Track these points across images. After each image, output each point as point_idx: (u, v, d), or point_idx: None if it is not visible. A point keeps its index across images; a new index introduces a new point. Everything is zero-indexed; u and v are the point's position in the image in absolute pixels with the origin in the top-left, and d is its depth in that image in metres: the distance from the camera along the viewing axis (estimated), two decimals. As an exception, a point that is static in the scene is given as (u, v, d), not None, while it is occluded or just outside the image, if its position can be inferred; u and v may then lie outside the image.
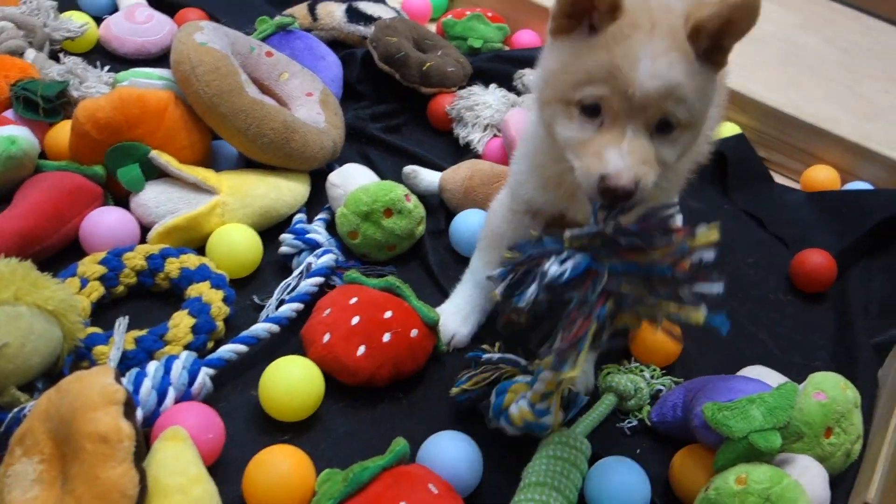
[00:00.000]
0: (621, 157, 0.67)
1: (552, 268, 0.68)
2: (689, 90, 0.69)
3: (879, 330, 1.14)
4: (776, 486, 0.75)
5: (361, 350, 0.87)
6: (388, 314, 0.90)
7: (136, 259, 0.92)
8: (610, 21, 0.69)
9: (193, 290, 0.91)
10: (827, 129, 1.49)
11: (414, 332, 0.90)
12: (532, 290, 0.69)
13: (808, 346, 1.12)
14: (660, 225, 0.68)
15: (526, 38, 1.65)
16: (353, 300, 0.90)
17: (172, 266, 0.92)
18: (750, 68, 1.62)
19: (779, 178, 1.48)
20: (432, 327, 0.92)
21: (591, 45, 0.70)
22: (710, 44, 0.71)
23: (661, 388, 0.97)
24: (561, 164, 0.77)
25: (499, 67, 1.49)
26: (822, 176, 1.47)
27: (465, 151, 1.30)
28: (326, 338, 0.87)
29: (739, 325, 1.13)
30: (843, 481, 0.88)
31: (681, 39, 0.69)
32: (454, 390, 0.86)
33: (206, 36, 1.05)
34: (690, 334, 1.03)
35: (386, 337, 0.88)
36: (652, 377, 0.98)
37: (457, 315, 0.98)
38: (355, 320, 0.88)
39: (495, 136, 1.32)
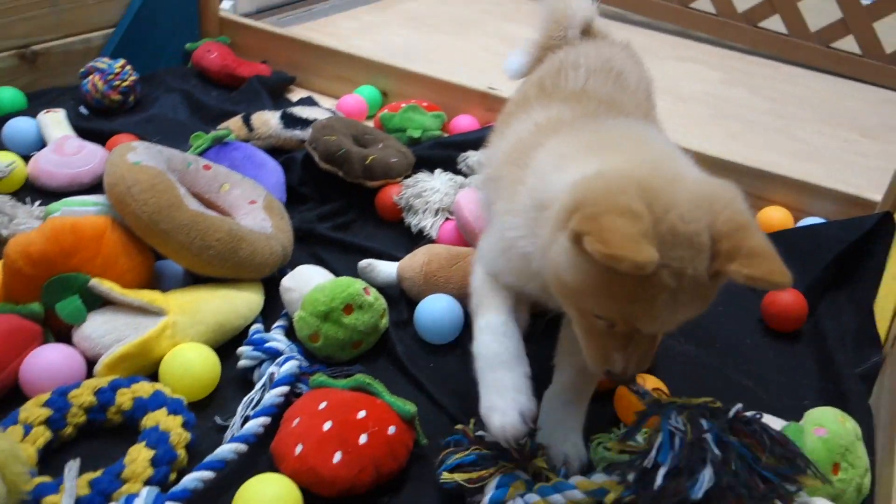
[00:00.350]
0: (625, 359, 0.71)
1: (712, 446, 0.71)
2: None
3: (861, 360, 1.12)
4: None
5: (338, 457, 0.81)
6: (361, 414, 0.85)
7: (83, 396, 0.86)
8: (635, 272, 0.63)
9: (149, 420, 0.85)
10: (772, 171, 1.51)
11: (392, 429, 0.85)
12: (708, 475, 0.69)
13: (794, 386, 1.10)
14: (795, 453, 0.73)
15: (464, 122, 1.66)
16: (323, 405, 0.85)
17: (124, 397, 0.86)
18: (685, 126, 1.65)
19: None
20: (409, 421, 0.87)
21: (614, 285, 0.66)
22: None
23: (655, 452, 0.92)
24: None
25: (441, 153, 1.49)
26: (776, 217, 1.48)
27: (418, 239, 1.28)
28: (298, 449, 0.82)
29: (723, 375, 1.10)
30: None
31: (703, 285, 0.67)
32: (446, 475, 0.81)
33: (139, 155, 1.02)
34: (675, 389, 0.99)
35: (362, 438, 0.83)
36: (643, 440, 0.93)
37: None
38: (327, 426, 0.83)
39: (448, 219, 1.30)
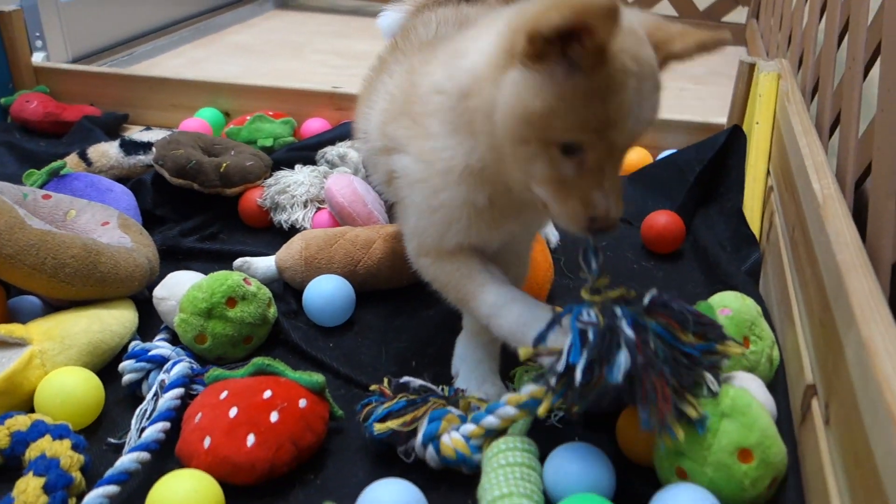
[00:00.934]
0: (605, 198, 0.67)
1: (626, 329, 0.69)
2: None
3: (743, 259, 1.16)
4: (725, 398, 0.70)
5: (251, 440, 0.75)
6: (267, 394, 0.79)
7: (-51, 444, 0.76)
8: (596, 63, 0.62)
9: (33, 451, 0.75)
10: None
11: (303, 402, 0.79)
12: (623, 358, 0.67)
13: (687, 295, 1.12)
14: (712, 323, 0.73)
15: (314, 125, 1.63)
16: (224, 394, 0.79)
17: (-1, 435, 0.77)
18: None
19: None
20: (320, 392, 0.82)
21: (580, 90, 0.63)
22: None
23: (576, 372, 0.91)
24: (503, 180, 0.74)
25: (297, 155, 1.44)
26: (635, 156, 1.53)
27: (292, 235, 1.23)
28: (207, 442, 0.75)
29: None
30: (777, 386, 0.85)
31: (657, 73, 0.67)
32: (378, 426, 0.77)
33: (-35, 185, 0.92)
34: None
35: (273, 416, 0.77)
36: (562, 367, 0.92)
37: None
38: (233, 412, 0.76)
39: (319, 209, 1.25)
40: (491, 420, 0.75)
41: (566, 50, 0.62)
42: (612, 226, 0.68)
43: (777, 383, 0.84)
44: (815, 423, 0.70)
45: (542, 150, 0.67)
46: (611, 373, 0.67)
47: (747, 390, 0.72)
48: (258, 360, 0.84)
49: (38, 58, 1.91)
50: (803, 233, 0.89)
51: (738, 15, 2.59)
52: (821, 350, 0.74)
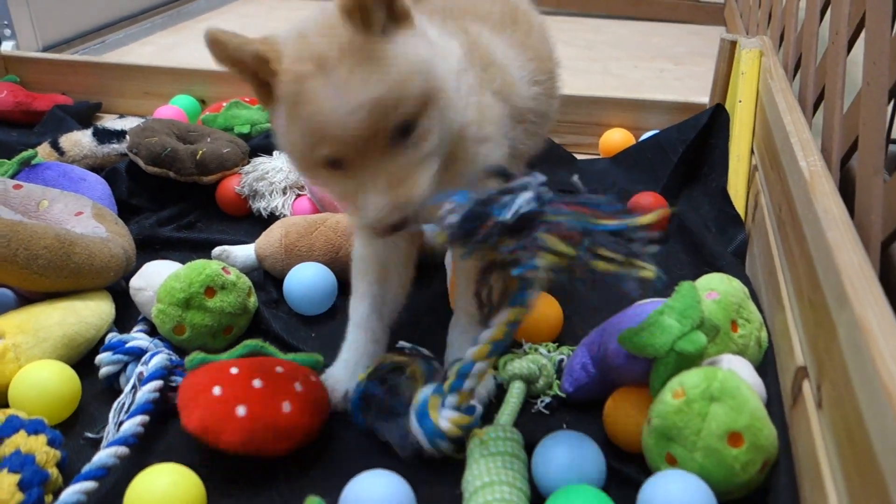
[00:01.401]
0: (371, 201, 0.65)
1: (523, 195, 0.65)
2: (396, 88, 0.63)
3: (729, 240, 1.15)
4: (714, 381, 0.69)
5: (287, 407, 0.74)
6: (279, 369, 0.79)
7: (-80, 441, 0.74)
8: (274, 81, 0.65)
9: (7, 447, 0.73)
10: (602, 95, 1.55)
11: (313, 378, 0.81)
12: (521, 200, 0.64)
13: (672, 277, 1.09)
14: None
15: (291, 110, 1.59)
16: (235, 370, 0.77)
17: (-29, 432, 0.75)
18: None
19: (579, 157, 1.50)
20: (321, 370, 0.81)
21: (287, 112, 0.65)
22: (383, 7, 0.65)
23: (563, 357, 0.90)
24: None
25: (274, 142, 1.41)
26: (617, 138, 1.51)
27: (271, 223, 1.20)
28: (242, 411, 0.73)
29: (604, 284, 1.08)
30: (766, 368, 0.84)
31: (352, 48, 0.63)
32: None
33: (-69, 175, 0.89)
34: (565, 305, 0.98)
35: (298, 387, 0.77)
36: (549, 352, 0.91)
37: (345, 371, 0.85)
38: (258, 383, 0.75)
39: (298, 195, 1.23)
40: (470, 383, 0.74)
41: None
42: (387, 228, 0.65)
43: (766, 366, 0.83)
44: (806, 405, 0.69)
45: (317, 173, 0.68)
46: (501, 211, 0.64)
47: (736, 373, 0.71)
48: (249, 342, 0.83)
49: (7, 47, 1.87)
50: (790, 211, 0.88)
51: (717, -5, 2.58)
52: (811, 331, 0.73)
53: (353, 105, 0.62)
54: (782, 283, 0.88)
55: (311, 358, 0.82)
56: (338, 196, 0.68)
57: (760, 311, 0.92)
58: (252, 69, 0.66)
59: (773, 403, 0.76)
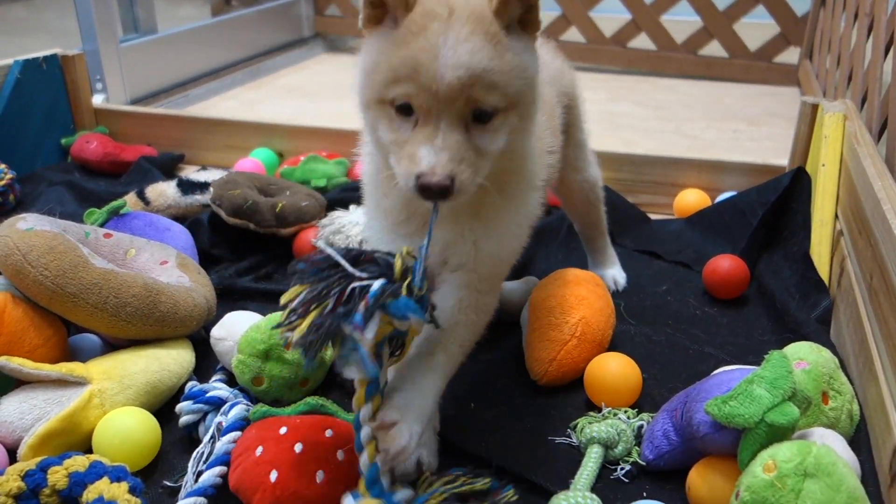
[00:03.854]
0: (434, 154, 0.65)
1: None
2: (501, 73, 0.66)
3: (812, 306, 1.12)
4: (808, 456, 0.67)
5: (320, 476, 0.73)
6: (328, 433, 0.77)
7: (8, 483, 0.75)
8: (405, 13, 0.67)
9: (91, 493, 0.74)
10: (678, 156, 1.54)
11: None
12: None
13: (755, 345, 1.08)
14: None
15: (367, 165, 1.62)
16: (283, 430, 0.77)
17: (57, 476, 0.76)
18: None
19: (653, 217, 1.48)
20: None
21: (394, 40, 0.67)
22: (521, 8, 0.69)
23: (643, 423, 0.88)
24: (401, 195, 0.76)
25: (352, 195, 1.43)
26: (693, 198, 1.50)
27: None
28: (274, 476, 0.73)
29: (682, 348, 1.07)
30: (859, 444, 0.81)
31: (485, 20, 0.66)
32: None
33: (30, 223, 0.93)
34: (644, 370, 0.96)
35: (340, 455, 0.75)
36: (629, 417, 0.89)
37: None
38: (298, 447, 0.74)
39: (372, 249, 1.24)
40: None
41: (393, 11, 0.68)
42: (437, 183, 0.64)
43: (859, 441, 0.80)
44: (908, 484, 0.66)
45: (382, 112, 0.69)
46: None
47: (831, 448, 0.68)
48: (310, 400, 0.83)
49: (98, 99, 1.95)
50: (884, 280, 0.85)
51: (790, 55, 2.56)
52: (911, 405, 0.70)
53: (459, 61, 0.64)
54: (875, 353, 0.85)
55: None
56: (391, 141, 0.68)
57: (850, 382, 0.89)
58: None
59: (869, 481, 0.73)
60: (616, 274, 1.24)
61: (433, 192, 0.65)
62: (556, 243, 1.37)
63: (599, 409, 0.91)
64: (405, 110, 0.67)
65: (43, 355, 0.89)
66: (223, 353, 0.97)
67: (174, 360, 0.94)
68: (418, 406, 0.70)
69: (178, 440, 0.88)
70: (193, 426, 0.87)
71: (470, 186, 0.67)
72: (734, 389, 0.72)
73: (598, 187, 1.20)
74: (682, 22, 2.56)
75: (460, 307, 0.78)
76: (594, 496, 0.74)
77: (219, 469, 0.78)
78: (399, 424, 0.67)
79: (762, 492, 0.66)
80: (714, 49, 2.55)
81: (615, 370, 0.93)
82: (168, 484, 0.81)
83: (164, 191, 1.40)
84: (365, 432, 0.67)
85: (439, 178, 0.64)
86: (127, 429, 0.83)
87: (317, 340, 0.63)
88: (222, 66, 2.61)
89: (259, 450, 0.75)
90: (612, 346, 1.03)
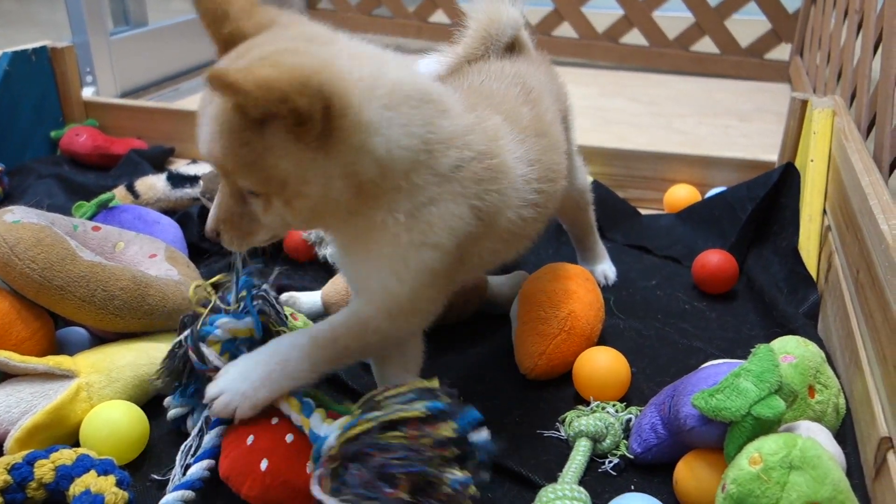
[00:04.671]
0: (212, 211, 0.73)
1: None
2: (234, 164, 0.67)
3: (800, 301, 1.12)
4: (793, 449, 0.67)
5: (311, 466, 0.73)
6: None
7: (-6, 476, 0.75)
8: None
9: (78, 486, 0.74)
10: (669, 151, 1.54)
11: None
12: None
13: (743, 339, 1.09)
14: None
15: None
16: (275, 420, 0.77)
17: (44, 469, 0.76)
18: (579, 133, 1.66)
19: (643, 212, 1.49)
20: None
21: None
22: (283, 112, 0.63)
23: (630, 416, 0.88)
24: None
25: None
26: (683, 194, 1.50)
27: (337, 271, 1.22)
28: (264, 464, 0.73)
29: (672, 342, 1.07)
30: (844, 436, 0.81)
31: (225, 113, 0.65)
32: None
33: (17, 215, 0.93)
34: (633, 363, 0.97)
35: None
36: (617, 411, 0.89)
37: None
38: (289, 437, 0.74)
39: (363, 243, 1.24)
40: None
41: None
42: (207, 234, 0.74)
43: (844, 434, 0.80)
44: (892, 477, 0.67)
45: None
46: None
47: (817, 441, 0.68)
48: (301, 391, 0.83)
49: (87, 92, 1.94)
50: (871, 275, 0.86)
51: (782, 52, 2.56)
52: (896, 399, 0.71)
53: (201, 145, 0.69)
54: (861, 347, 0.86)
55: (350, 409, 0.80)
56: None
57: (836, 375, 0.89)
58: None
59: (854, 474, 0.74)
60: (606, 269, 1.24)
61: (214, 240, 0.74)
62: (546, 238, 1.37)
63: (588, 403, 0.91)
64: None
65: (30, 348, 0.89)
66: (212, 347, 0.96)
67: (162, 353, 0.92)
68: (239, 371, 0.77)
69: (166, 434, 0.88)
70: (182, 420, 0.87)
71: (240, 245, 0.74)
72: (721, 383, 0.73)
73: (587, 192, 1.20)
74: (674, 18, 2.57)
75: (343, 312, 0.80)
76: (582, 489, 0.75)
77: (207, 462, 0.77)
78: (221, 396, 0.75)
79: (748, 484, 0.67)
80: (706, 45, 2.56)
81: (604, 364, 0.93)
82: (156, 477, 0.81)
83: (153, 184, 1.40)
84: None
85: (207, 231, 0.74)
86: (114, 422, 0.82)
87: (173, 365, 0.84)
88: (213, 60, 2.59)
89: (250, 438, 0.75)
90: (602, 340, 1.03)
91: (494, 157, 0.77)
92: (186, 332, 0.83)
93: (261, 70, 0.60)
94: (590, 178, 1.46)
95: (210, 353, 0.80)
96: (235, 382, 0.76)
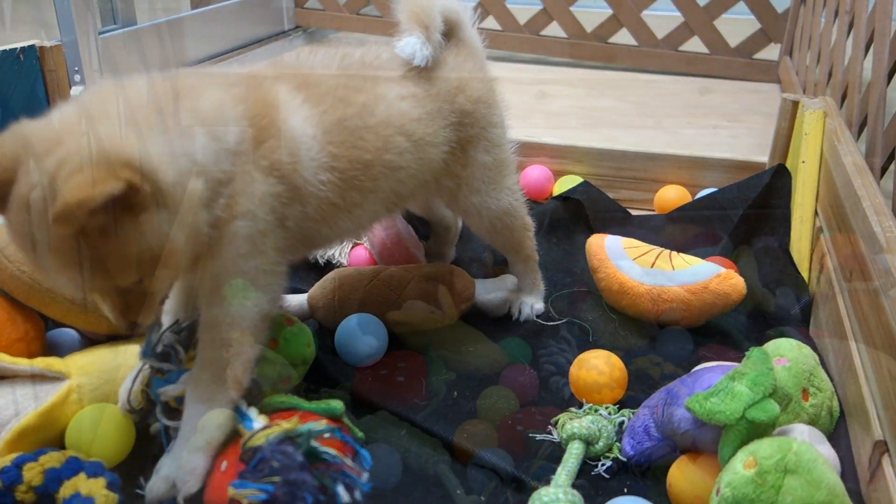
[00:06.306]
0: (114, 315, 0.73)
1: None
2: (118, 273, 0.68)
3: (792, 303, 1.12)
4: (788, 453, 0.67)
5: None
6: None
7: (-17, 481, 0.74)
8: None
9: (67, 489, 0.73)
10: (659, 151, 1.54)
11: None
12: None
13: (735, 341, 1.08)
14: None
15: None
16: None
17: (32, 472, 0.75)
18: (564, 135, 1.67)
19: (633, 212, 1.49)
20: (339, 418, 0.79)
21: None
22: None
23: (623, 419, 0.88)
24: None
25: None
26: (673, 194, 1.50)
27: (327, 271, 1.21)
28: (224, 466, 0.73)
29: (665, 349, 1.07)
30: (838, 440, 0.81)
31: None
32: None
33: (7, 216, 0.92)
34: (626, 366, 0.96)
35: None
36: (610, 413, 0.89)
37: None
38: None
39: (356, 244, 1.24)
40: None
41: None
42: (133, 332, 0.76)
43: (838, 437, 0.80)
44: (887, 481, 0.67)
45: None
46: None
47: (812, 445, 0.69)
48: (272, 399, 0.82)
49: (76, 91, 1.92)
50: (864, 277, 0.86)
51: (771, 52, 2.57)
52: (891, 403, 0.71)
53: (49, 263, 0.67)
54: (854, 350, 0.86)
55: (330, 406, 0.79)
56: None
57: (830, 378, 0.89)
58: None
59: (848, 478, 0.74)
60: (526, 301, 1.13)
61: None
62: (537, 237, 1.37)
63: (581, 405, 0.91)
64: None
65: (20, 350, 0.88)
66: (203, 349, 0.96)
67: (153, 355, 0.93)
68: (175, 455, 0.78)
69: (154, 436, 0.87)
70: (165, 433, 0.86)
71: (152, 314, 0.78)
72: (715, 386, 0.73)
73: (511, 216, 1.08)
74: (663, 17, 2.57)
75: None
76: (575, 492, 0.74)
77: (197, 466, 0.77)
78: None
79: (743, 488, 0.67)
80: (695, 45, 2.56)
81: (598, 366, 0.93)
82: (144, 483, 0.80)
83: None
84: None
85: (127, 331, 0.76)
86: (104, 423, 0.82)
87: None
88: (202, 59, 2.58)
89: (224, 465, 0.74)
90: (595, 344, 1.03)
91: (266, 118, 0.79)
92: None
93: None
94: (579, 179, 1.47)
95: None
96: (173, 469, 0.77)
